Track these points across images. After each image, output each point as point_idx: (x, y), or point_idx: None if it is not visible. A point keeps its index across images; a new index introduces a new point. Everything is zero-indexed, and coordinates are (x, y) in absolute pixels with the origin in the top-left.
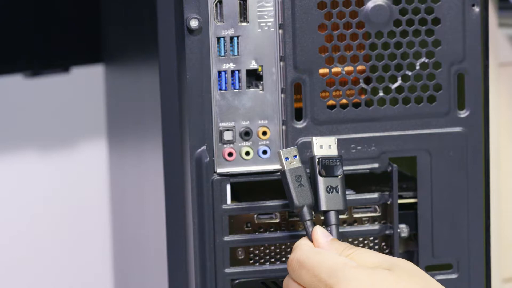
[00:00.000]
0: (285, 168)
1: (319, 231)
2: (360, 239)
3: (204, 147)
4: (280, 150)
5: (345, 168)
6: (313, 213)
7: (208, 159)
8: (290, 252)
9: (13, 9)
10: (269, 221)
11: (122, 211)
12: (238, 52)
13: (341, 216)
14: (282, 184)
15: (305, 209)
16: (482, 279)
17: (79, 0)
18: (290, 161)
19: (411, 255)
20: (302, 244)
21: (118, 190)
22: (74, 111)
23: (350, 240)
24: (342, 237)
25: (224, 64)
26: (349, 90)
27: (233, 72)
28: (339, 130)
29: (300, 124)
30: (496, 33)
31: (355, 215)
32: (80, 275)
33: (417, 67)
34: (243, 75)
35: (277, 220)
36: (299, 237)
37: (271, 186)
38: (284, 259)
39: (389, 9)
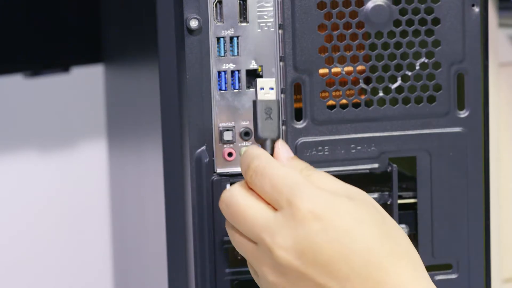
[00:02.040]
0: (257, 99)
1: (282, 147)
2: None
3: (204, 147)
4: (258, 79)
5: (345, 168)
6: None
7: (208, 159)
8: None
9: (13, 9)
10: None
11: (122, 211)
12: (238, 52)
13: None
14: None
15: (268, 143)
16: (482, 279)
17: (79, 0)
18: (265, 92)
19: None
20: (263, 154)
21: (118, 190)
22: (74, 111)
23: None
24: None
25: (224, 64)
26: (349, 90)
27: (233, 72)
28: (339, 130)
29: (300, 124)
30: (496, 33)
31: None
32: (80, 275)
33: (417, 67)
34: (243, 75)
35: None
36: None
37: None
38: None
39: (389, 9)
